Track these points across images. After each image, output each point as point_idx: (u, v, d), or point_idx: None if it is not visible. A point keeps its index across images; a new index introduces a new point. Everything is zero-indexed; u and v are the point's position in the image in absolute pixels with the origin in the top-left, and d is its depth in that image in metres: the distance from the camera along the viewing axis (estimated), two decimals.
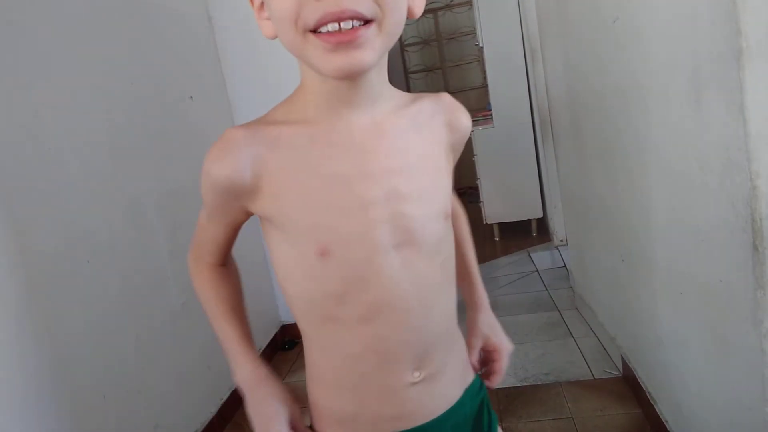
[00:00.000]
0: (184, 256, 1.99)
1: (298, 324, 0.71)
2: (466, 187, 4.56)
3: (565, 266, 2.97)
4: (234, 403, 2.08)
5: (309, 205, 0.62)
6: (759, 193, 0.86)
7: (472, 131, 1.37)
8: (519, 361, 2.10)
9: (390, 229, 0.63)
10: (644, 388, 1.62)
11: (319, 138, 0.62)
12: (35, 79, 1.37)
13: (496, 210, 3.62)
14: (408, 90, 3.84)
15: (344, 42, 0.53)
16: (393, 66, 0.86)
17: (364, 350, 0.65)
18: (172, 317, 1.79)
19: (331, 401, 0.71)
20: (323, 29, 0.53)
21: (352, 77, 0.57)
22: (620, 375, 1.89)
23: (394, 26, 0.57)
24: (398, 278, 0.63)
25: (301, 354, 2.48)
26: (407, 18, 0.60)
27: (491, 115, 3.52)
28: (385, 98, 0.64)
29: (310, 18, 0.53)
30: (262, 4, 0.61)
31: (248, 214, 0.70)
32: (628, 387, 1.80)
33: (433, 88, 5.02)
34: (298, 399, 0.76)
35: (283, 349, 2.55)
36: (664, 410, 1.50)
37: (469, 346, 0.80)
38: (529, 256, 3.29)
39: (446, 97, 0.72)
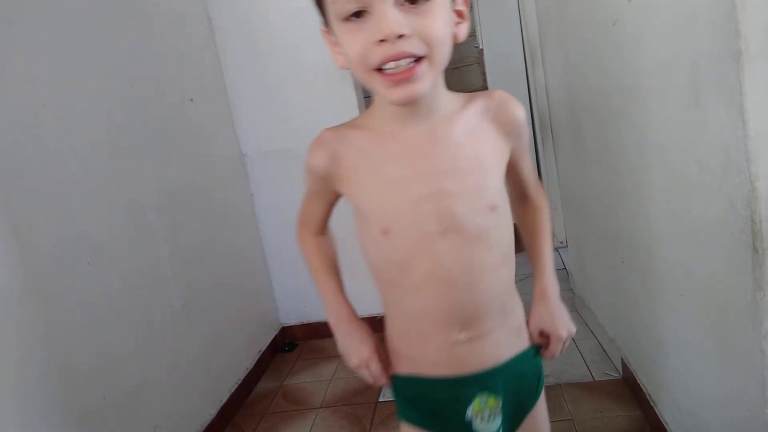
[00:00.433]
0: (184, 256, 2.00)
1: (376, 285, 0.87)
2: None
3: (564, 268, 2.97)
4: (234, 405, 2.07)
5: (373, 196, 0.80)
6: (758, 194, 0.86)
7: None
8: None
9: (436, 220, 0.77)
10: (644, 390, 1.62)
11: (384, 144, 0.79)
12: (36, 80, 1.38)
13: None
14: None
15: (403, 80, 0.68)
16: None
17: (418, 312, 0.82)
18: (172, 318, 1.79)
19: (399, 345, 0.89)
20: (386, 68, 0.68)
21: (411, 104, 0.74)
22: (620, 377, 1.89)
23: (441, 59, 0.72)
24: (444, 259, 0.78)
25: (300, 356, 2.48)
26: (453, 42, 0.75)
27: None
28: (441, 108, 0.79)
29: (375, 59, 0.68)
30: (335, 42, 0.74)
31: (338, 194, 0.87)
32: (628, 388, 1.80)
33: None
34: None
35: (283, 350, 2.55)
36: (664, 412, 1.49)
37: (528, 329, 0.92)
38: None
39: (496, 94, 0.84)
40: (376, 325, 0.91)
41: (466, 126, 0.80)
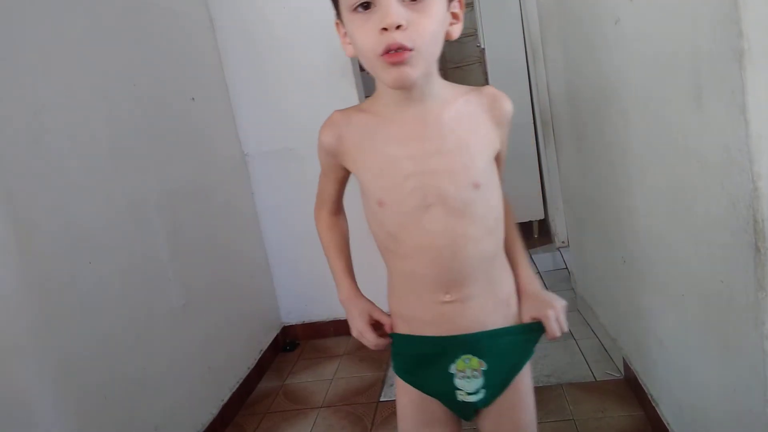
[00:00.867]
0: (185, 256, 2.00)
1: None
2: None
3: (566, 268, 2.97)
4: (235, 404, 2.08)
5: (371, 172, 0.91)
6: (760, 194, 0.86)
7: None
8: None
9: (423, 195, 0.87)
10: (646, 390, 1.62)
11: (383, 126, 0.90)
12: (37, 80, 1.38)
13: None
14: None
15: (397, 62, 0.78)
16: None
17: (410, 274, 0.93)
18: (173, 317, 1.79)
19: (396, 305, 0.99)
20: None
21: (404, 87, 0.83)
22: (622, 376, 1.88)
23: (431, 52, 0.81)
24: (429, 230, 0.88)
25: (301, 356, 2.48)
26: (446, 40, 0.84)
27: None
28: (434, 96, 0.88)
29: (379, 47, 0.78)
30: (345, 33, 0.86)
31: (346, 172, 0.98)
32: (630, 388, 1.80)
33: None
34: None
35: (284, 350, 2.55)
36: (666, 412, 1.49)
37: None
38: (531, 257, 3.29)
39: (489, 89, 0.94)
40: None
41: (456, 112, 0.89)
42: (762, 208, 0.86)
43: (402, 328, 0.99)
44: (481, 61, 4.14)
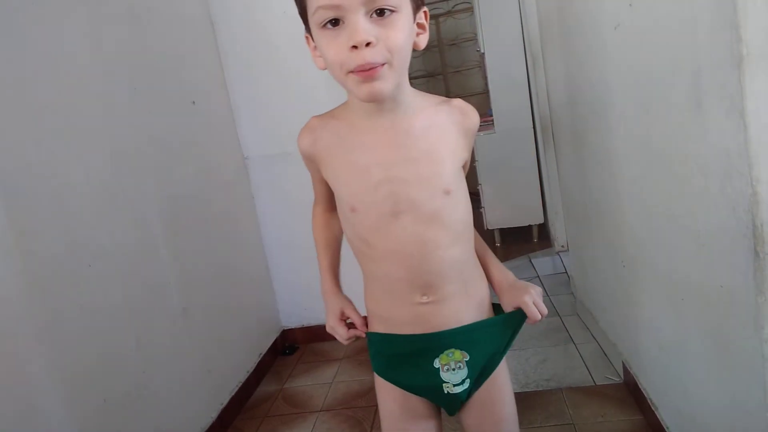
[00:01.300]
0: (185, 260, 2.00)
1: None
2: None
3: (566, 272, 2.97)
4: (234, 408, 2.07)
5: (342, 178, 0.93)
6: (760, 198, 0.86)
7: None
8: (520, 366, 2.10)
9: (392, 203, 0.89)
10: (645, 394, 1.62)
11: (354, 134, 0.91)
12: (37, 83, 1.38)
13: (497, 216, 3.61)
14: None
15: (369, 76, 0.79)
16: None
17: (384, 277, 0.95)
18: (173, 322, 1.79)
19: (373, 307, 1.01)
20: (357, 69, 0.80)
21: (376, 101, 0.85)
22: (621, 381, 1.88)
23: (401, 64, 0.83)
24: (399, 236, 0.90)
25: (300, 359, 2.48)
26: (414, 49, 0.86)
27: (492, 121, 3.52)
28: (404, 106, 0.89)
29: (350, 64, 0.79)
30: (315, 47, 0.87)
31: None
32: (630, 393, 1.80)
33: (434, 94, 4.99)
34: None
35: (284, 354, 2.55)
36: (666, 416, 1.49)
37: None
38: (530, 261, 3.29)
39: (457, 102, 0.96)
40: None
41: (425, 122, 0.91)
42: (761, 212, 0.86)
43: (379, 329, 1.01)
44: (481, 66, 4.15)
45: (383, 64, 0.79)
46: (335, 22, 0.79)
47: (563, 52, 2.03)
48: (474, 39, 4.59)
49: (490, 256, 1.06)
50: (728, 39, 0.85)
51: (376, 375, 1.05)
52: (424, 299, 0.94)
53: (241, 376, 2.19)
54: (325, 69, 0.86)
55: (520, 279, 1.03)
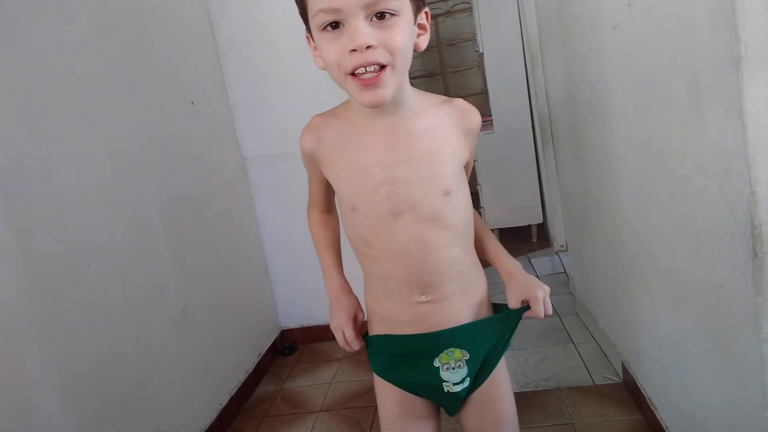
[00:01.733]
0: (184, 260, 2.00)
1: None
2: None
3: (565, 272, 2.97)
4: (233, 408, 2.07)
5: (343, 178, 0.94)
6: (758, 198, 0.86)
7: None
8: (519, 366, 2.10)
9: (392, 203, 0.89)
10: (645, 394, 1.62)
11: (356, 134, 0.91)
12: (36, 84, 1.38)
13: (496, 215, 3.62)
14: None
15: (371, 84, 0.80)
16: None
17: (384, 277, 0.96)
18: (172, 322, 1.79)
19: (373, 306, 1.02)
20: (357, 72, 0.80)
21: (378, 106, 0.84)
22: (620, 381, 1.89)
23: (403, 66, 0.82)
24: (400, 234, 0.91)
25: (299, 359, 2.48)
26: (414, 51, 0.85)
27: (491, 120, 3.52)
28: (406, 107, 0.89)
29: (348, 65, 0.79)
30: (315, 47, 0.87)
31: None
32: (629, 393, 1.80)
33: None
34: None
35: (283, 354, 2.55)
36: (665, 416, 1.49)
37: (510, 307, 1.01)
38: (530, 261, 3.29)
39: (458, 102, 0.95)
40: None
41: (426, 123, 0.91)
42: (760, 212, 0.86)
43: (379, 329, 1.02)
44: (480, 66, 4.15)
45: (384, 67, 0.79)
46: (335, 24, 0.79)
47: (562, 52, 2.03)
48: (473, 39, 4.59)
49: (499, 249, 1.06)
50: (727, 39, 0.85)
51: (375, 375, 1.05)
52: (424, 298, 0.94)
53: (241, 377, 2.19)
54: (325, 69, 0.87)
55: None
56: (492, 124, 3.52)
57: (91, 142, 1.54)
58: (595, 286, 2.11)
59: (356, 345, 1.03)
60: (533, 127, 3.43)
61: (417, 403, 1.03)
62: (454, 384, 0.98)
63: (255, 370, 2.29)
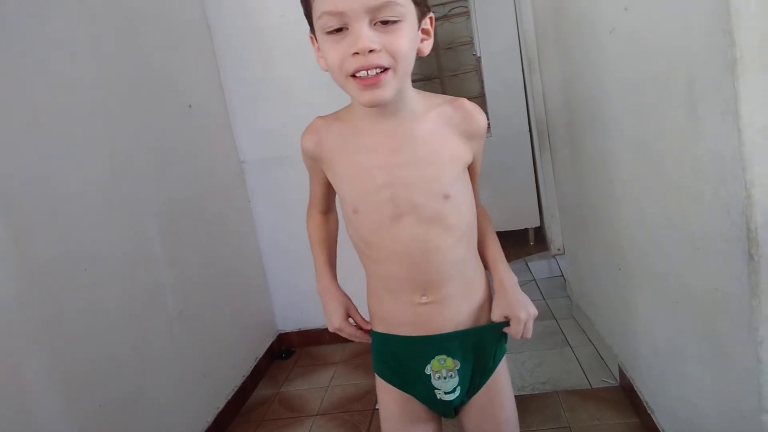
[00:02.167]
0: (181, 264, 2.00)
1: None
2: None
3: (562, 275, 2.98)
4: (230, 412, 2.07)
5: (345, 180, 0.95)
6: (753, 201, 0.86)
7: None
8: (516, 370, 2.10)
9: (394, 205, 0.90)
10: (641, 397, 1.62)
11: (358, 136, 0.92)
12: (34, 87, 1.38)
13: (493, 219, 3.53)
14: None
15: (371, 84, 0.80)
16: None
17: (385, 277, 0.97)
18: (169, 325, 1.78)
19: (374, 306, 1.03)
20: (358, 74, 0.80)
21: (377, 106, 0.85)
22: (617, 384, 1.89)
23: (404, 70, 0.83)
24: (401, 236, 0.91)
25: (296, 363, 2.48)
26: (417, 55, 0.86)
27: (489, 124, 3.52)
28: (407, 109, 0.90)
29: (350, 67, 0.80)
30: (319, 48, 0.87)
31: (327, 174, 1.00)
32: (626, 396, 1.80)
33: None
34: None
35: (280, 357, 2.54)
36: (661, 419, 1.49)
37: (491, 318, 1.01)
38: (527, 265, 3.29)
39: (463, 103, 0.95)
40: None
41: (428, 126, 0.91)
42: (755, 215, 0.87)
43: (379, 329, 1.03)
44: (477, 70, 4.16)
45: (386, 69, 0.80)
46: (339, 28, 0.80)
47: (559, 56, 2.03)
48: (470, 43, 4.60)
49: (498, 256, 1.05)
50: (722, 43, 0.85)
51: (377, 376, 1.06)
52: (424, 299, 0.95)
53: (238, 380, 2.18)
54: (327, 70, 0.87)
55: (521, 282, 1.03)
56: (489, 127, 3.52)
57: (88, 145, 1.54)
58: (592, 290, 2.12)
59: (364, 337, 1.05)
60: (530, 130, 3.44)
61: (417, 405, 1.03)
62: (446, 393, 0.99)
63: (252, 373, 2.29)
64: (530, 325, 0.98)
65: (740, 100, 0.84)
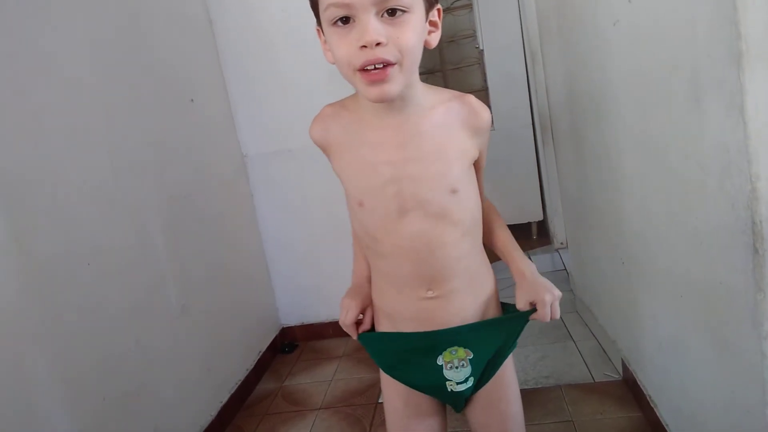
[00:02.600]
0: (183, 258, 2.00)
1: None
2: None
3: (565, 269, 2.97)
4: (234, 406, 2.07)
5: (351, 173, 0.93)
6: (759, 195, 0.86)
7: None
8: (519, 364, 2.10)
9: (400, 201, 0.89)
10: (644, 392, 1.62)
11: (364, 129, 0.91)
12: (36, 83, 1.38)
13: None
14: None
15: (378, 79, 0.79)
16: None
17: (390, 272, 0.96)
18: (172, 320, 1.79)
19: (380, 302, 1.02)
20: (366, 68, 0.79)
21: (384, 101, 0.84)
22: (620, 378, 1.88)
23: (411, 65, 0.82)
24: (407, 231, 0.91)
25: (300, 357, 2.48)
26: (425, 47, 0.85)
27: (492, 118, 3.51)
28: (414, 103, 0.89)
29: (357, 62, 0.79)
30: (326, 41, 0.86)
31: None
32: (629, 390, 1.80)
33: None
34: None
35: (283, 351, 2.55)
36: (665, 413, 1.49)
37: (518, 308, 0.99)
38: (530, 258, 3.28)
39: (469, 99, 0.95)
40: None
41: (435, 121, 0.90)
42: (760, 209, 0.86)
43: (384, 324, 1.02)
44: (480, 63, 4.14)
45: (393, 64, 0.79)
46: (346, 19, 0.79)
47: (562, 48, 2.02)
48: (473, 36, 4.58)
49: (514, 247, 1.04)
50: (728, 35, 0.85)
51: (381, 371, 1.05)
52: (430, 294, 0.94)
53: (241, 375, 2.19)
54: (334, 63, 0.86)
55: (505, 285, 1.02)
56: (492, 121, 3.50)
57: (90, 140, 1.54)
58: (595, 284, 2.11)
59: (352, 331, 1.03)
60: (533, 123, 3.42)
61: (423, 399, 1.03)
62: (458, 383, 0.98)
63: (255, 367, 2.29)
64: (557, 306, 0.95)
65: (746, 92, 0.84)
